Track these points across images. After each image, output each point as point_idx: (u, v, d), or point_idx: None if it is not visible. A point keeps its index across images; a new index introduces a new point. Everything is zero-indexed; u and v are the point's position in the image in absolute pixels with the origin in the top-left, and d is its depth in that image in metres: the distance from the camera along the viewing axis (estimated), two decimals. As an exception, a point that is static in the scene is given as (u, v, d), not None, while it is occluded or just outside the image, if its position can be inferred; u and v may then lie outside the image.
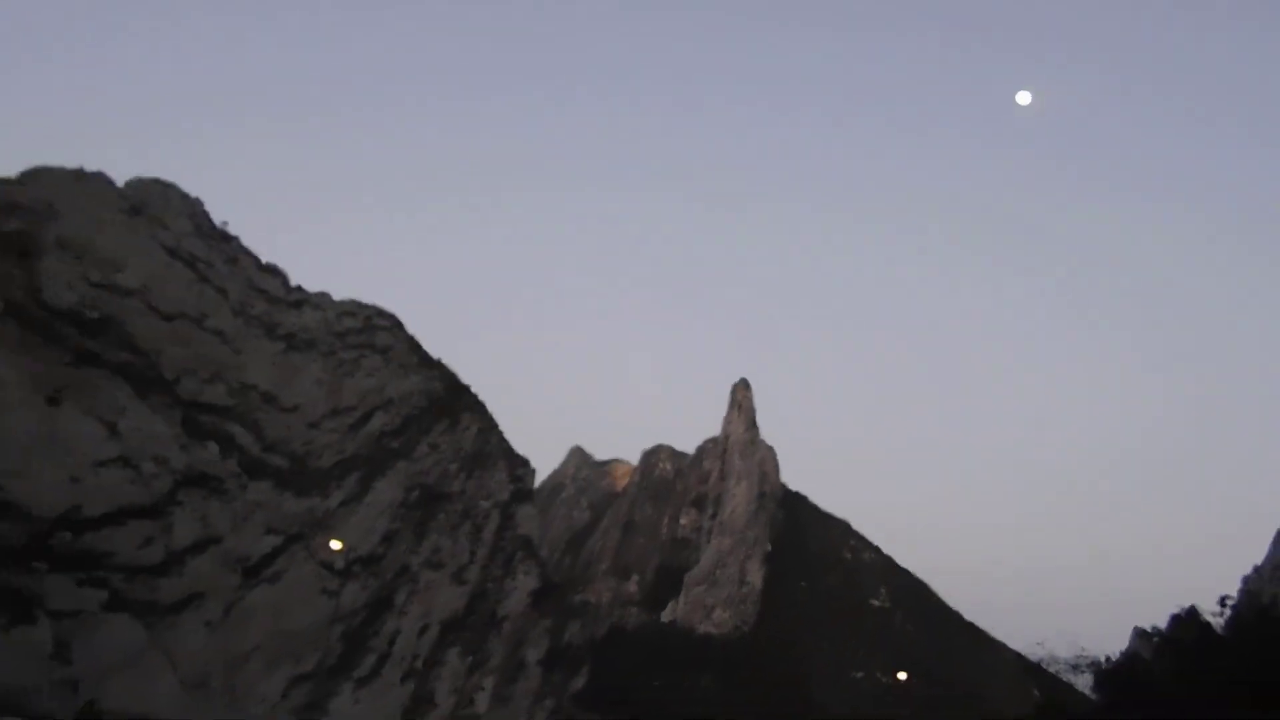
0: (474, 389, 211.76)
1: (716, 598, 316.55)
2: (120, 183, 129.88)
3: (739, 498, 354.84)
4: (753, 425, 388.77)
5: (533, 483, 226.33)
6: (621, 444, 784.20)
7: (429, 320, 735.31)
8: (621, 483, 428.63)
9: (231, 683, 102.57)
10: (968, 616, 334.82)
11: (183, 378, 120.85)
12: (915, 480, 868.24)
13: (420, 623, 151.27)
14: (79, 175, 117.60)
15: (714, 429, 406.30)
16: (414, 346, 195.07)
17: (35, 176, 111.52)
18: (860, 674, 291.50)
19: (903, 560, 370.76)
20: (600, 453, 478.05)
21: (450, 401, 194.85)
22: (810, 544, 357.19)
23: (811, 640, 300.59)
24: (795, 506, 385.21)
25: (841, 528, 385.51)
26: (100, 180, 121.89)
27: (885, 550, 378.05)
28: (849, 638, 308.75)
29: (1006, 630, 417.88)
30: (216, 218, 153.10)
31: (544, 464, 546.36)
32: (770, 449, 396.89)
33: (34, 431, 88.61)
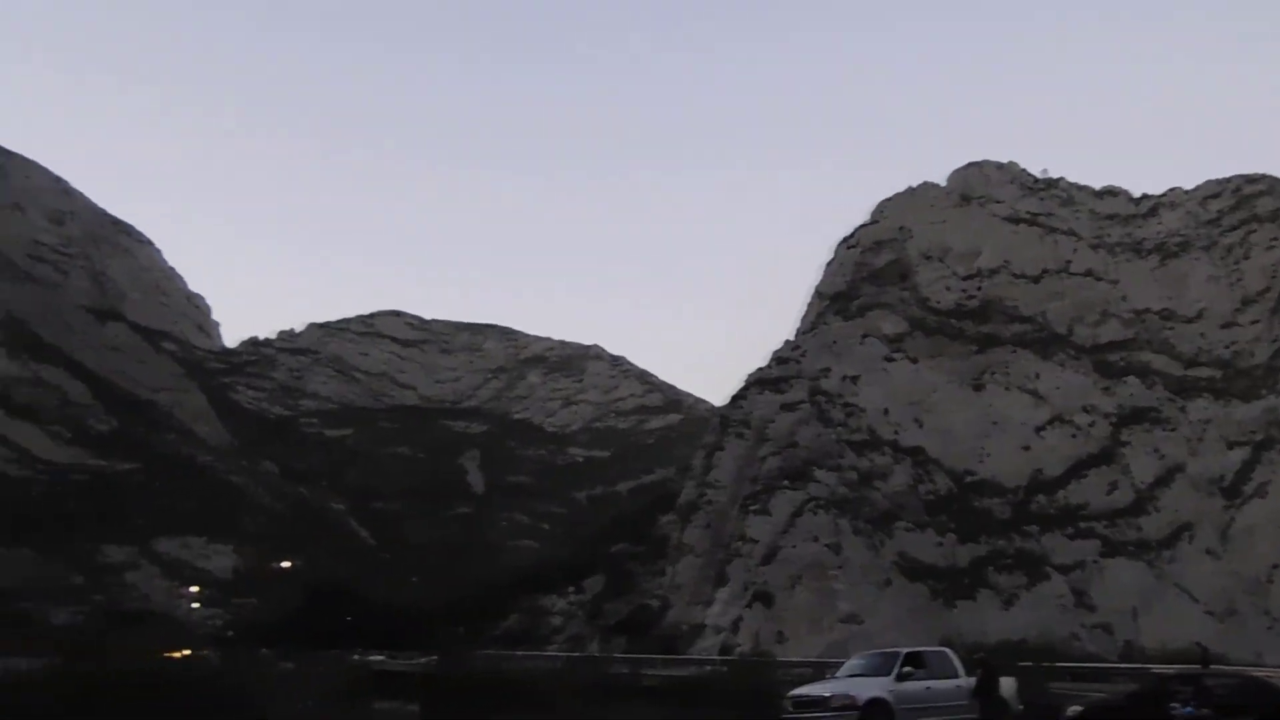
0: None
1: None
2: (941, 180, 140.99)
3: None
4: None
5: None
6: None
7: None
8: None
9: (1263, 606, 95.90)
10: None
11: (1074, 326, 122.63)
12: None
13: None
14: (911, 192, 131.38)
15: None
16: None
17: (883, 210, 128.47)
18: None
19: None
20: None
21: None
22: None
23: None
24: None
25: None
26: (928, 187, 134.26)
27: None
28: None
29: None
30: (1033, 168, 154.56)
31: None
32: None
33: (975, 418, 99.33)
